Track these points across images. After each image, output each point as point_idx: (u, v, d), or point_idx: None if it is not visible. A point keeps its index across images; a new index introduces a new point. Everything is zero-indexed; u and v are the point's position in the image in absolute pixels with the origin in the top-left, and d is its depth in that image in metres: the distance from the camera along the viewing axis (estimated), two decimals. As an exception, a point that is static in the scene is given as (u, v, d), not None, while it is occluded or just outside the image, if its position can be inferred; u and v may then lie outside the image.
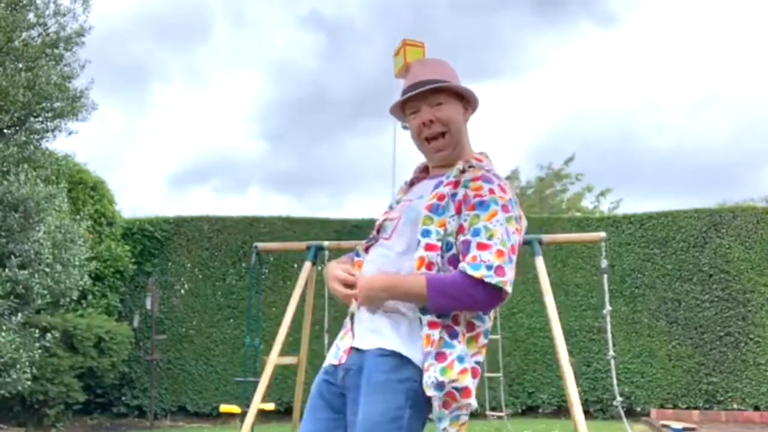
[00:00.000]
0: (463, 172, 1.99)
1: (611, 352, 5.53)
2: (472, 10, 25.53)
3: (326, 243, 5.69)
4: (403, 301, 1.90)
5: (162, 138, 29.85)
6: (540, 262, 5.12)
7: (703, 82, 29.67)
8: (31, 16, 7.27)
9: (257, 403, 5.08)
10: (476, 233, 1.89)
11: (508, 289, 1.90)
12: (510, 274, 1.92)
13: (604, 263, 5.46)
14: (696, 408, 8.63)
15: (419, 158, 2.21)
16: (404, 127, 2.23)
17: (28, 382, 6.67)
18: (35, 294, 6.80)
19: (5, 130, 7.26)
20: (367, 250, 2.09)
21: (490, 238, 1.89)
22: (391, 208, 2.11)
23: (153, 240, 9.54)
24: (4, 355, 6.33)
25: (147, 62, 26.57)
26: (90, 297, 8.66)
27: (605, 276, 5.54)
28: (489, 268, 1.86)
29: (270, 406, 6.23)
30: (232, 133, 29.75)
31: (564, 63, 28.38)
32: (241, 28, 28.16)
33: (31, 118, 7.32)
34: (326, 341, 5.49)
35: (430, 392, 1.83)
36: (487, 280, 1.85)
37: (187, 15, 26.08)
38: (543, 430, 7.80)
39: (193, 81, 29.96)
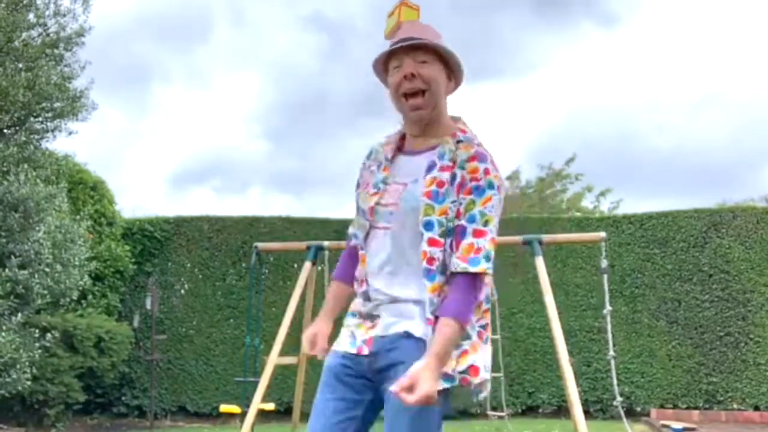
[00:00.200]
0: (450, 143, 1.99)
1: (611, 352, 5.53)
2: (472, 10, 25.53)
3: (326, 243, 5.69)
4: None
5: (163, 138, 29.86)
6: (540, 262, 5.12)
7: (703, 82, 29.70)
8: (31, 16, 7.27)
9: (257, 403, 5.08)
10: (472, 219, 1.91)
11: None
12: None
13: (604, 263, 5.46)
14: (696, 408, 8.63)
15: None
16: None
17: (28, 382, 6.67)
18: (35, 294, 6.80)
19: (5, 130, 7.27)
20: (365, 239, 2.04)
21: (485, 224, 1.91)
22: (377, 188, 2.02)
23: (153, 240, 9.55)
24: (4, 355, 6.33)
25: (148, 62, 26.62)
26: (90, 297, 8.66)
27: (605, 276, 5.54)
28: (487, 259, 1.90)
29: (270, 406, 6.23)
30: (232, 134, 29.76)
31: (564, 63, 28.40)
32: (241, 29, 28.19)
33: (31, 118, 7.32)
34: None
35: (442, 386, 1.85)
36: (487, 272, 1.91)
37: (187, 15, 26.11)
38: (543, 430, 7.80)
39: (193, 81, 29.99)
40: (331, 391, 2.00)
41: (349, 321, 2.06)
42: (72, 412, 8.20)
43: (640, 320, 9.00)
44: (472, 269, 1.87)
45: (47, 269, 6.90)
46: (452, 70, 2.03)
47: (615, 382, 5.62)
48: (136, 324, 9.04)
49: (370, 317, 2.00)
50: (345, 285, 2.18)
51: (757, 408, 8.58)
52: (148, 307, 8.80)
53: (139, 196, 29.37)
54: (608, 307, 5.45)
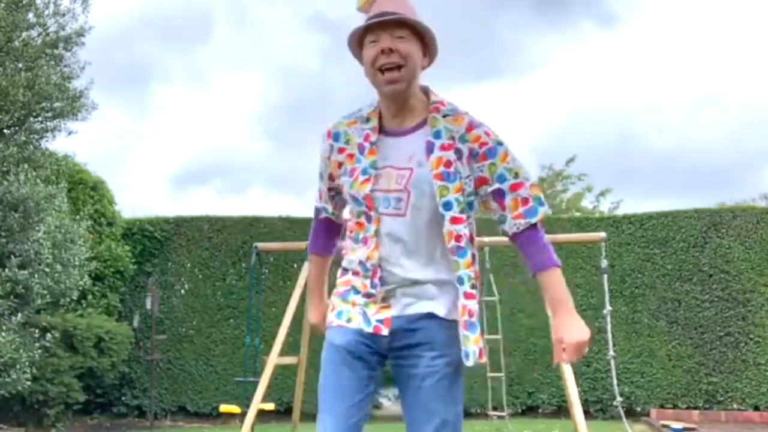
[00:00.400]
0: (440, 120, 2.00)
1: (611, 352, 5.53)
2: (473, 10, 25.53)
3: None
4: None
5: (164, 138, 29.86)
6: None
7: (703, 82, 29.71)
8: (30, 16, 7.27)
9: (257, 403, 5.08)
10: (502, 179, 1.96)
11: None
12: None
13: (604, 263, 5.47)
14: (696, 408, 8.63)
15: None
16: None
17: (28, 382, 6.66)
18: (35, 294, 6.80)
19: (5, 130, 7.26)
20: (359, 226, 2.02)
21: (516, 176, 1.97)
22: (367, 174, 1.98)
23: (153, 240, 9.54)
24: (4, 355, 6.32)
25: (149, 62, 26.63)
26: (90, 297, 8.66)
27: (605, 276, 5.54)
28: (541, 203, 1.98)
29: (270, 406, 6.23)
30: (234, 134, 29.77)
31: (565, 63, 28.38)
32: (242, 29, 28.19)
33: (31, 118, 7.32)
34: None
35: (470, 363, 1.93)
36: (547, 214, 1.99)
37: (189, 15, 26.11)
38: (543, 430, 7.80)
39: (194, 81, 29.99)
40: (350, 368, 1.98)
41: (354, 298, 2.03)
42: (72, 412, 8.19)
43: (640, 320, 8.99)
44: (533, 220, 1.96)
45: (47, 269, 6.90)
46: (427, 45, 2.02)
47: (615, 382, 5.63)
48: (136, 324, 9.04)
49: (384, 299, 1.99)
50: (326, 257, 2.28)
51: (757, 408, 8.57)
52: (148, 307, 8.80)
53: (141, 197, 29.37)
54: (608, 307, 5.45)
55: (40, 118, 7.39)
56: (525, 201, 1.96)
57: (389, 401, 8.90)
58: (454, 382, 1.97)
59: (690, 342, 8.87)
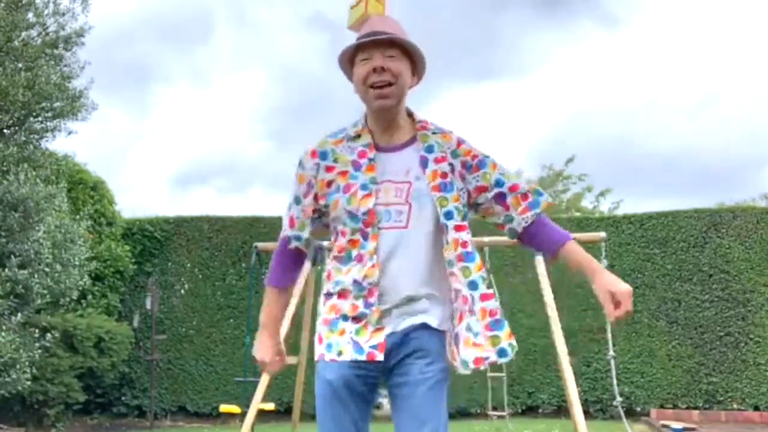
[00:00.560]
0: (431, 136, 2.07)
1: (611, 352, 5.53)
2: (474, 11, 25.54)
3: (326, 243, 5.68)
4: None
5: (166, 138, 29.89)
6: (540, 262, 5.12)
7: (703, 82, 29.70)
8: (30, 15, 7.27)
9: (257, 403, 5.07)
10: (499, 183, 2.07)
11: None
12: None
13: (604, 263, 5.46)
14: (696, 408, 8.63)
15: None
16: None
17: (28, 382, 6.66)
18: (35, 294, 6.80)
19: (5, 130, 7.26)
20: (352, 244, 2.00)
21: (510, 179, 2.09)
22: (367, 189, 1.99)
23: (153, 240, 9.54)
24: (4, 355, 6.32)
25: (150, 62, 26.63)
26: (90, 297, 8.66)
27: (605, 276, 5.53)
28: (540, 193, 2.08)
29: (270, 406, 6.23)
30: (235, 134, 29.80)
31: (565, 63, 28.38)
32: (243, 29, 28.20)
33: (31, 118, 7.32)
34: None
35: (509, 357, 2.06)
36: (550, 201, 2.10)
37: (190, 16, 26.13)
38: (543, 430, 7.80)
39: (195, 81, 30.00)
40: (343, 404, 1.97)
41: (343, 326, 1.99)
42: (72, 412, 8.19)
43: (640, 320, 8.99)
44: (539, 210, 2.06)
45: (47, 269, 6.90)
46: (416, 65, 2.08)
47: (615, 382, 5.63)
48: (136, 324, 9.04)
49: (378, 321, 1.97)
50: (289, 290, 2.20)
51: (757, 408, 8.57)
52: (148, 307, 8.80)
53: (143, 197, 29.37)
54: (608, 307, 5.44)
55: (40, 118, 7.39)
56: (525, 196, 2.06)
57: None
58: (443, 389, 1.99)
59: (690, 342, 8.86)
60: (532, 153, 29.12)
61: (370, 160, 2.02)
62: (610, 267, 7.25)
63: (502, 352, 2.02)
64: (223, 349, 9.25)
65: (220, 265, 9.48)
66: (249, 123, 30.43)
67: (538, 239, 2.08)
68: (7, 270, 6.60)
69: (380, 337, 1.96)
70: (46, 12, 7.35)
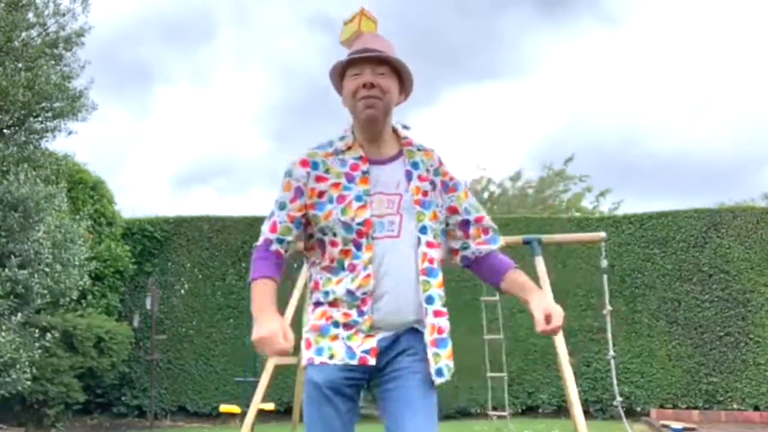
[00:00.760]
0: (416, 152, 2.18)
1: (611, 352, 5.52)
2: (475, 11, 25.54)
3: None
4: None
5: (166, 138, 29.90)
6: (540, 262, 5.11)
7: (704, 82, 29.71)
8: (30, 15, 7.27)
9: (257, 403, 5.07)
10: (468, 212, 2.21)
11: None
12: None
13: (604, 263, 5.46)
14: (696, 408, 8.63)
15: None
16: None
17: (28, 382, 6.66)
18: (35, 294, 6.80)
19: (5, 130, 7.26)
20: (344, 254, 2.05)
21: (477, 211, 2.23)
22: (362, 201, 2.04)
23: (153, 240, 9.54)
24: (4, 355, 6.32)
25: (150, 62, 26.64)
26: (90, 297, 8.66)
27: (605, 276, 5.53)
28: (498, 233, 2.25)
29: (270, 406, 6.24)
30: (236, 134, 29.81)
31: (566, 63, 28.39)
32: (245, 29, 28.21)
33: (31, 118, 7.32)
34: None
35: (445, 378, 2.05)
36: (503, 244, 2.26)
37: (191, 16, 26.13)
38: (543, 430, 7.80)
39: (196, 81, 30.00)
40: (334, 407, 2.01)
41: (336, 332, 2.04)
42: (72, 412, 8.19)
43: (640, 320, 8.99)
44: (495, 247, 2.21)
45: (47, 269, 6.90)
46: (404, 83, 2.17)
47: (615, 382, 5.62)
48: (136, 324, 9.04)
49: (369, 328, 2.01)
50: (277, 282, 2.19)
51: (757, 408, 8.58)
52: (148, 307, 8.80)
53: (144, 197, 29.40)
54: (608, 307, 5.44)
55: (40, 118, 7.39)
56: (486, 231, 2.22)
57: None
58: (434, 388, 2.05)
59: (690, 342, 8.86)
60: (532, 153, 29.14)
61: (364, 172, 2.09)
62: (610, 267, 7.29)
63: (438, 372, 2.04)
64: (223, 349, 9.25)
65: (220, 265, 9.48)
66: (249, 123, 30.46)
67: (487, 267, 2.21)
68: (7, 270, 6.60)
69: (372, 342, 2.01)
70: (46, 12, 7.34)
